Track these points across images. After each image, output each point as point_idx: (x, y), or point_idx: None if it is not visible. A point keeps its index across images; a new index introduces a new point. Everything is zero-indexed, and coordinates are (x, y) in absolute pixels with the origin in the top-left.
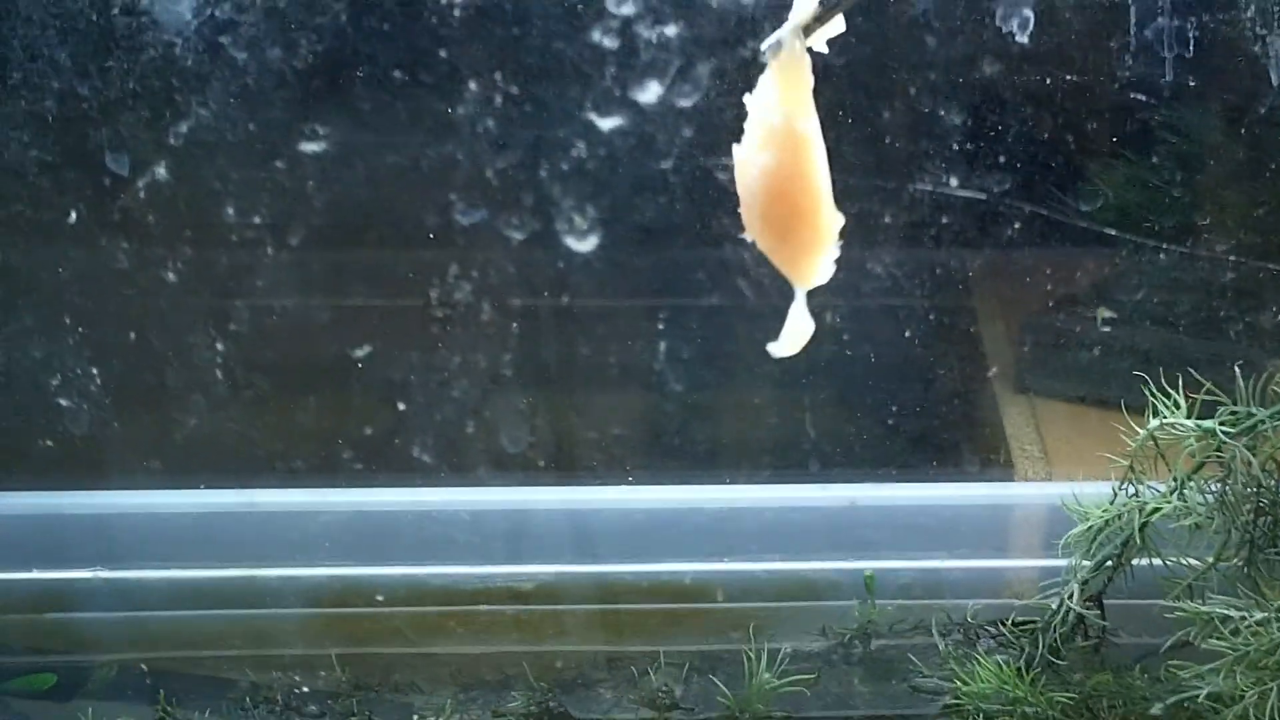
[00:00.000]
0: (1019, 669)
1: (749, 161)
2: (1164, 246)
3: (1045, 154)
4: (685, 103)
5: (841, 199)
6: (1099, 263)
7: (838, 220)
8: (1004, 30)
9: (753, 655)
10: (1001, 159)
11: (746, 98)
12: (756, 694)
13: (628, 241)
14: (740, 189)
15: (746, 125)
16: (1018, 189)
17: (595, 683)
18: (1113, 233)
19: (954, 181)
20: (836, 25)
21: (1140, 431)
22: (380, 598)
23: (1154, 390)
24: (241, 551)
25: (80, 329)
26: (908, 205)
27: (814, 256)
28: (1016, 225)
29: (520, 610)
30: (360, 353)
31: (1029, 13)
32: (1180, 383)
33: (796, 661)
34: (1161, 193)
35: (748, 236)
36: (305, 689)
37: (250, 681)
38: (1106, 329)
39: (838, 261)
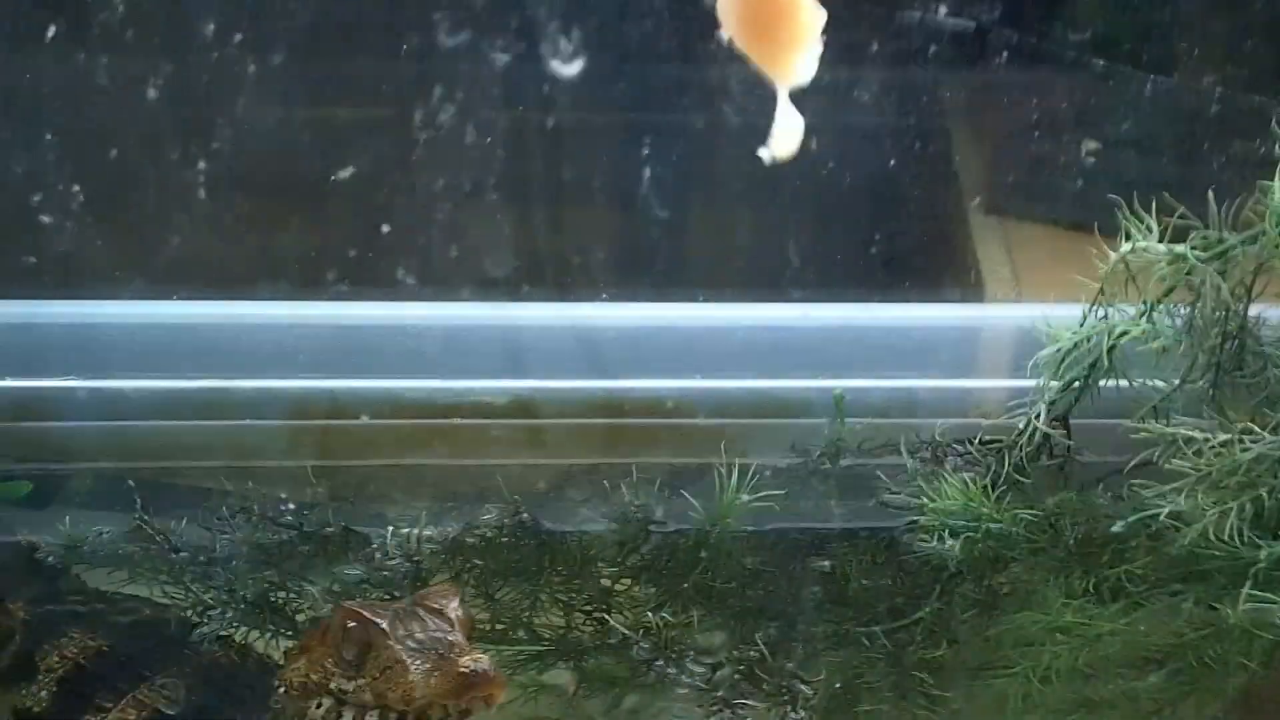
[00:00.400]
0: (985, 486)
1: None
2: (1148, 75)
3: None
4: None
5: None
6: (1079, 89)
7: (819, 15)
8: None
9: (723, 471)
10: None
11: None
12: (727, 508)
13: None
14: None
15: None
16: (1006, 17)
17: (568, 497)
18: (1098, 60)
19: (943, 9)
20: None
21: (1112, 255)
22: (358, 411)
23: (1127, 214)
24: (219, 362)
25: (61, 142)
26: (895, 30)
27: (795, 53)
28: (1002, 52)
29: (493, 425)
30: (344, 172)
31: None
32: (1154, 207)
33: (767, 478)
34: (1145, 20)
35: (724, 34)
36: (283, 499)
37: (227, 491)
38: (1090, 160)
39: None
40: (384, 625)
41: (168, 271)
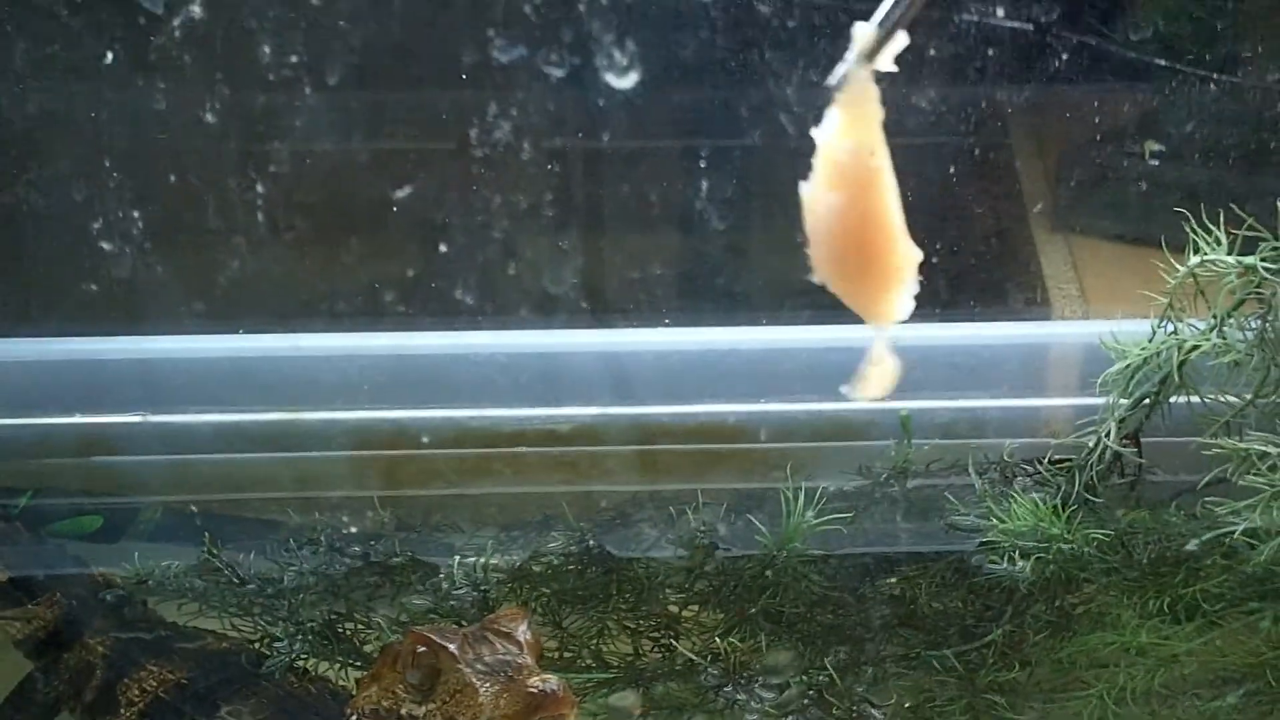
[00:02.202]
0: (1055, 507)
1: (818, 200)
2: (1210, 78)
3: None
4: None
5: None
6: (1143, 96)
7: (915, 255)
8: None
9: (790, 494)
10: None
11: (813, 131)
12: (794, 532)
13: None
14: (809, 230)
15: (814, 161)
16: (1064, 20)
17: (634, 522)
18: (1160, 64)
19: (1000, 11)
20: (900, 41)
21: (1180, 268)
22: (423, 440)
23: (1195, 226)
24: (283, 395)
25: (120, 173)
26: (951, 37)
27: (890, 295)
28: (1062, 57)
29: (559, 452)
30: (400, 194)
31: None
32: (1222, 219)
33: (834, 500)
34: (1208, 23)
35: (816, 279)
36: (349, 530)
37: (294, 523)
38: (1154, 162)
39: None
40: (453, 649)
41: (227, 301)
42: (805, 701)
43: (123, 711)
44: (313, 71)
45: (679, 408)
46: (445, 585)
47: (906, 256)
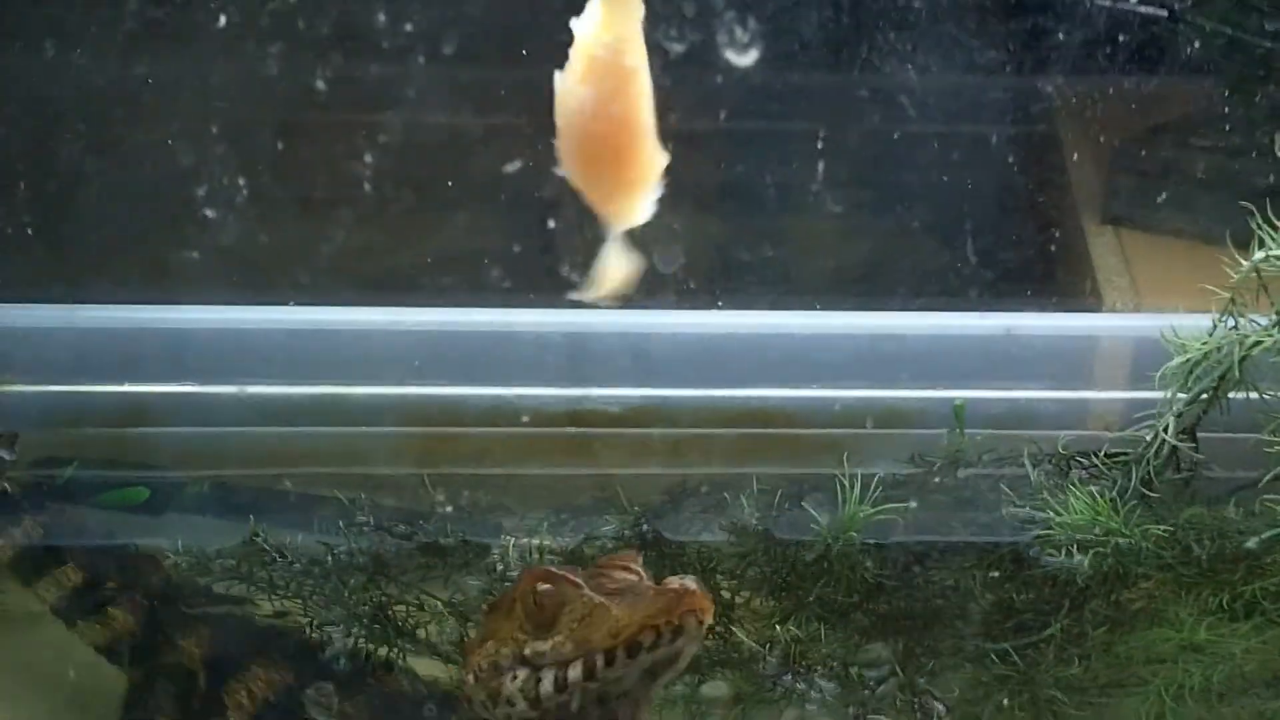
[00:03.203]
0: (1113, 500)
1: (569, 93)
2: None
3: None
4: None
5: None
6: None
7: (660, 159)
8: None
9: (845, 482)
10: None
11: (572, 22)
12: (849, 521)
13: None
14: (558, 121)
15: (571, 53)
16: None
17: (687, 506)
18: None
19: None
20: None
21: (1244, 263)
22: (475, 420)
23: (1260, 222)
24: (332, 370)
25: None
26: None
27: (633, 196)
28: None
29: (609, 434)
30: (510, 168)
31: None
32: None
33: (886, 489)
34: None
35: (560, 171)
36: (397, 508)
37: (342, 499)
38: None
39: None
40: (576, 579)
41: (270, 271)
42: (867, 693)
43: (232, 717)
44: (425, 42)
45: (731, 391)
46: (499, 567)
47: (652, 160)
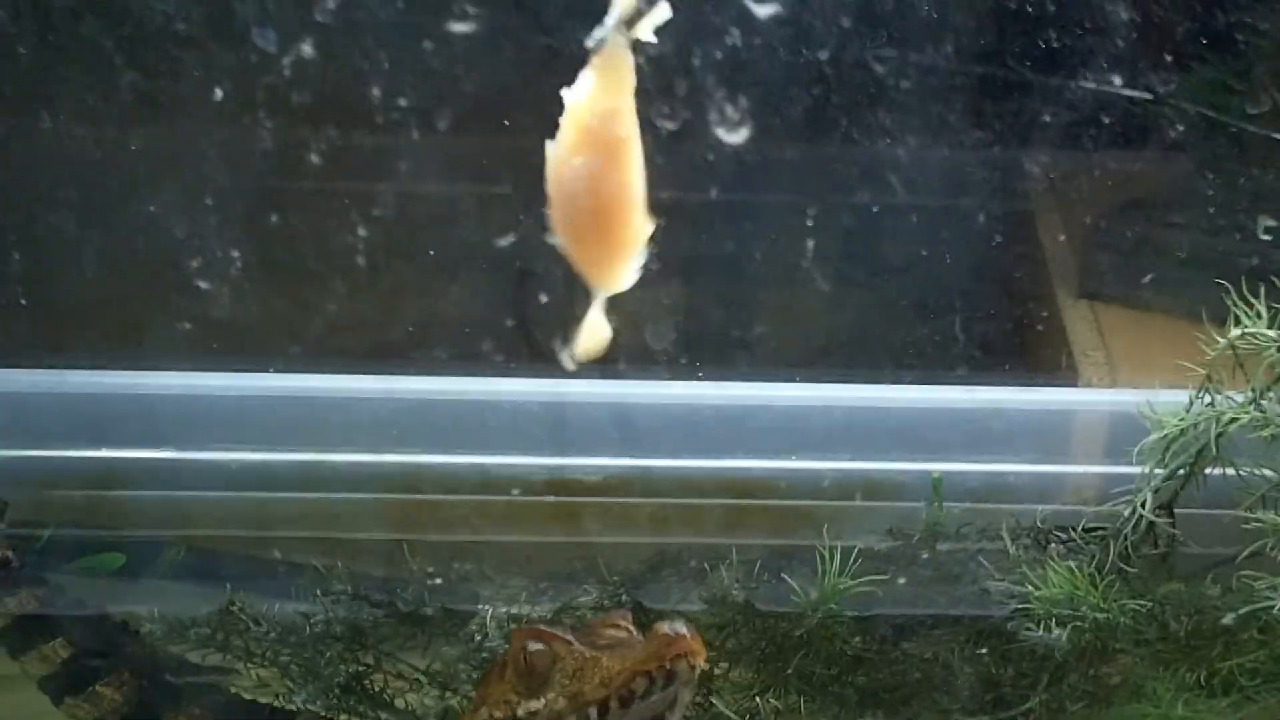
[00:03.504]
0: (1092, 575)
1: (561, 162)
2: (1242, 150)
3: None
4: None
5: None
6: (1166, 168)
7: (647, 227)
8: None
9: (826, 554)
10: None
11: (564, 92)
12: (829, 592)
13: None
14: (550, 188)
15: (562, 122)
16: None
17: (666, 576)
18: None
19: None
20: (662, 12)
21: (1220, 340)
22: (453, 487)
23: (1235, 299)
24: (310, 436)
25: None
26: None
27: (619, 263)
28: (1091, 126)
29: (587, 503)
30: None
31: None
32: (1263, 292)
33: (866, 560)
34: (1236, 92)
35: (552, 239)
36: (375, 575)
37: (319, 566)
38: (1267, 237)
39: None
40: (566, 636)
41: (253, 339)
42: None
43: None
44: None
45: (710, 462)
46: (477, 636)
47: (640, 228)
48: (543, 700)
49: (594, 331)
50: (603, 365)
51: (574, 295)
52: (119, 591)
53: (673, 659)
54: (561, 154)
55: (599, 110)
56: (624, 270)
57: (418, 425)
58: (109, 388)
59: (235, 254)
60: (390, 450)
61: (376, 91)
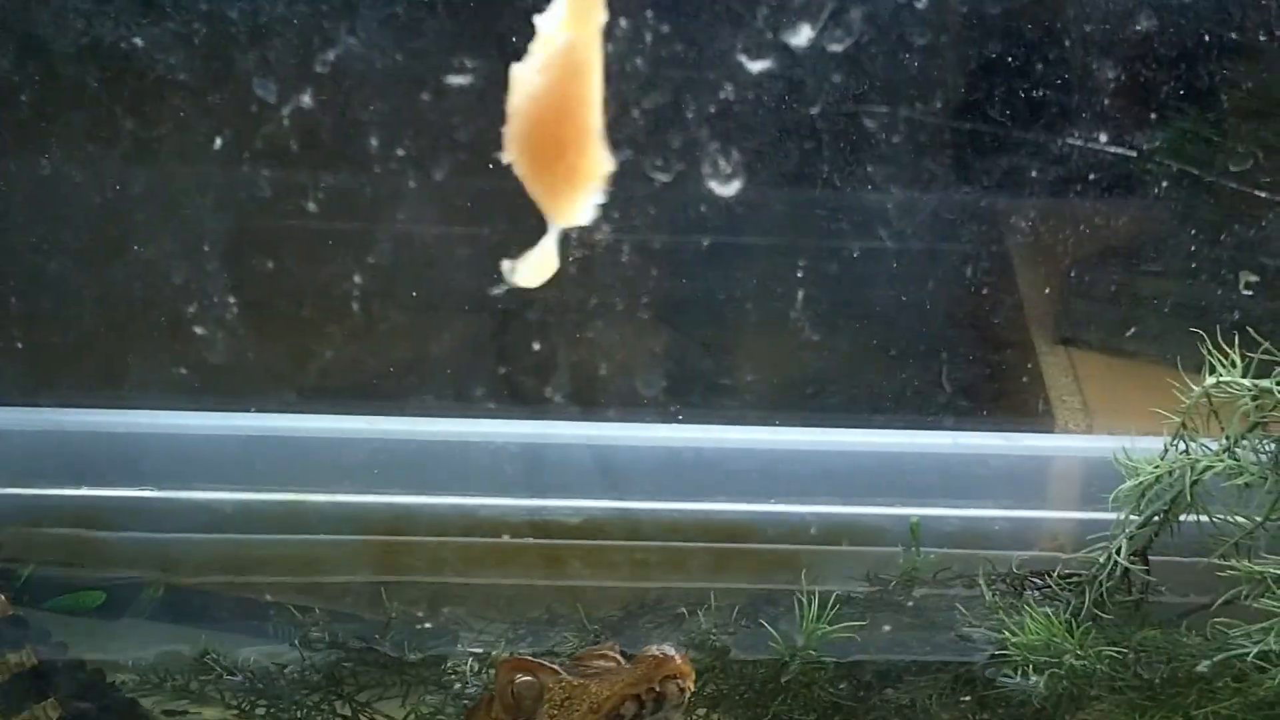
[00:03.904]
0: (1068, 622)
1: (522, 80)
2: (1219, 203)
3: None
4: (836, 48)
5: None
6: (1143, 218)
7: (604, 161)
8: None
9: (804, 599)
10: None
11: (536, 18)
12: (809, 638)
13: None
14: (509, 107)
15: (532, 45)
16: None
17: (643, 621)
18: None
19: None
20: None
21: (1194, 388)
22: (432, 529)
23: (1210, 348)
24: (288, 476)
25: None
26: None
27: (573, 193)
28: (1070, 177)
29: (567, 545)
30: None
31: None
32: (1237, 340)
33: (843, 606)
34: (1217, 148)
35: (505, 158)
36: (352, 616)
37: (294, 611)
38: (1248, 293)
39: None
40: (554, 666)
41: (230, 380)
42: None
43: None
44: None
45: (689, 505)
46: (456, 684)
47: (596, 161)
48: None
49: (542, 260)
50: (584, 408)
51: (557, 336)
52: (97, 631)
53: (661, 681)
54: (525, 74)
55: (567, 36)
56: (579, 203)
57: (399, 466)
58: (89, 426)
59: (224, 297)
60: (372, 491)
61: (369, 138)
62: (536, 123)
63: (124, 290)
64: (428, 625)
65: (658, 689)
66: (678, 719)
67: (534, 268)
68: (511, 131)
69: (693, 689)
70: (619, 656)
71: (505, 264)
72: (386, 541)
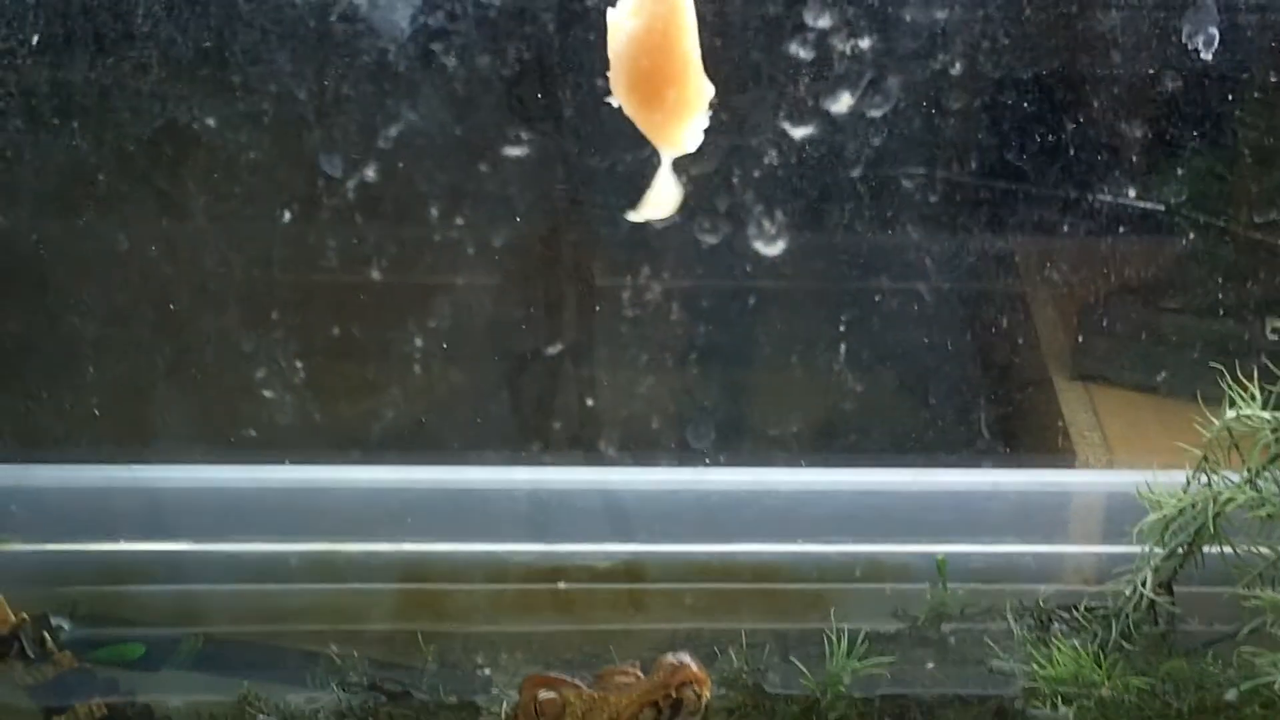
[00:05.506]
0: (1096, 654)
1: (620, 25)
2: (1237, 236)
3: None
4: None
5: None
6: (1168, 251)
7: (707, 88)
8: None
9: (833, 636)
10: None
11: None
12: (837, 674)
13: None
14: (610, 52)
15: None
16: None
17: None
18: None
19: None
20: None
21: (1215, 422)
22: (458, 574)
23: (1230, 381)
24: (326, 526)
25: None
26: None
27: (681, 121)
28: (1087, 213)
29: (598, 589)
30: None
31: None
32: (1255, 374)
33: (872, 643)
34: (1231, 184)
35: (614, 100)
36: (388, 664)
37: (334, 655)
38: (1274, 337)
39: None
40: (575, 681)
41: (270, 432)
42: None
43: None
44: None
45: (718, 546)
46: None
47: (698, 89)
48: None
49: (663, 191)
50: (613, 453)
51: (571, 382)
52: (141, 682)
53: (678, 687)
54: (619, 19)
55: None
56: (687, 130)
57: (427, 514)
58: (122, 481)
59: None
60: (401, 539)
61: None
62: (639, 61)
63: (156, 347)
64: (459, 671)
65: (674, 695)
66: None
67: (657, 201)
68: (615, 74)
69: (709, 695)
70: (639, 674)
71: (630, 214)
72: (415, 589)
